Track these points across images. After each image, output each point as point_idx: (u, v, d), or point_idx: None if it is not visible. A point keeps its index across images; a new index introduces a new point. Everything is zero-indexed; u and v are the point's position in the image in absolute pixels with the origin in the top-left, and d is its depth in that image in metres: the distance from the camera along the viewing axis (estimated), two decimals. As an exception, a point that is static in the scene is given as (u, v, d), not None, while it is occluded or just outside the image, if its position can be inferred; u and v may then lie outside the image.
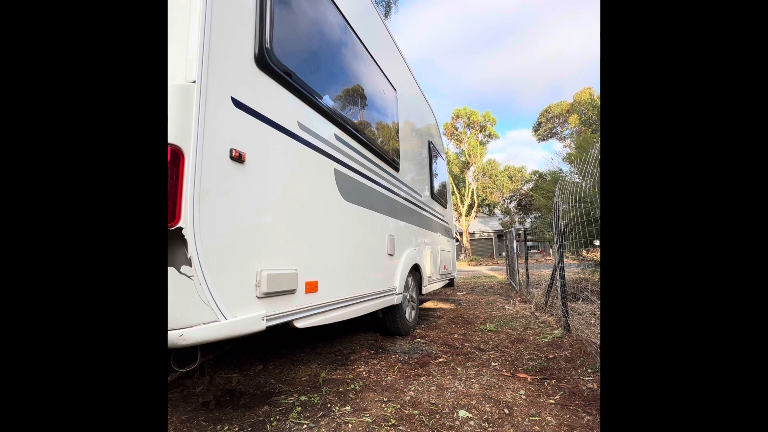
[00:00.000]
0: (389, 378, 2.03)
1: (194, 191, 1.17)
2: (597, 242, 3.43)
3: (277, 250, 1.51)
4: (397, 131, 3.24)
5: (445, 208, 5.40)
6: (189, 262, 1.14)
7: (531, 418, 1.53)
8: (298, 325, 1.61)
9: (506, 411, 1.60)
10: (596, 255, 4.82)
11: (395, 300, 2.80)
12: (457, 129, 26.69)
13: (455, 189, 25.97)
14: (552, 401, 1.70)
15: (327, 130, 1.96)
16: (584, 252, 4.83)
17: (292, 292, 1.55)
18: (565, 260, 3.27)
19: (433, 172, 4.61)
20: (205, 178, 1.21)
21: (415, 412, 1.58)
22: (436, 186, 4.74)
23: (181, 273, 1.13)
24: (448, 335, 3.09)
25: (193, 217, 1.15)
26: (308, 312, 1.68)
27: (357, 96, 2.46)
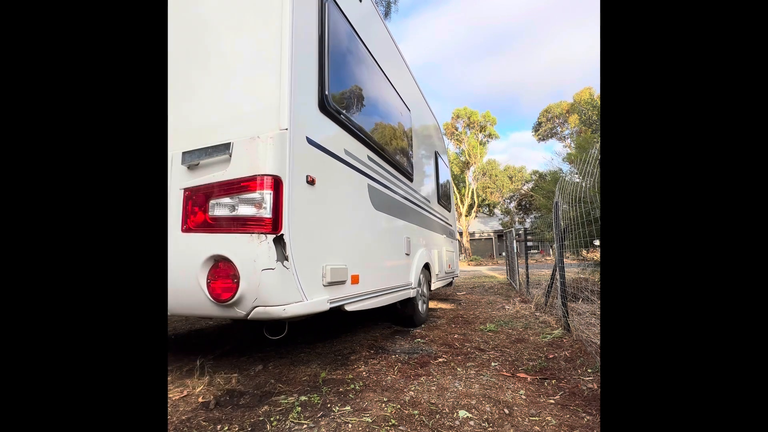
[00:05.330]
0: (389, 378, 2.03)
1: (288, 208, 1.56)
2: (597, 242, 3.43)
3: (335, 250, 1.91)
4: (411, 146, 3.66)
5: (449, 211, 5.82)
6: (288, 259, 1.53)
7: (531, 418, 1.53)
8: (348, 308, 1.98)
9: (506, 411, 1.60)
10: (596, 255, 4.82)
11: (411, 293, 3.14)
12: (457, 129, 26.68)
13: (455, 189, 25.96)
14: (552, 401, 1.70)
15: (362, 152, 2.37)
16: (584, 252, 4.83)
17: (343, 282, 1.93)
18: (565, 260, 3.27)
19: (439, 180, 5.07)
20: (294, 198, 1.60)
21: (415, 412, 1.58)
22: (441, 192, 5.18)
23: (284, 267, 1.52)
24: (448, 335, 3.09)
25: (289, 226, 1.55)
26: (354, 299, 2.05)
27: (382, 120, 2.87)
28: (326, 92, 1.90)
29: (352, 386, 1.90)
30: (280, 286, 1.49)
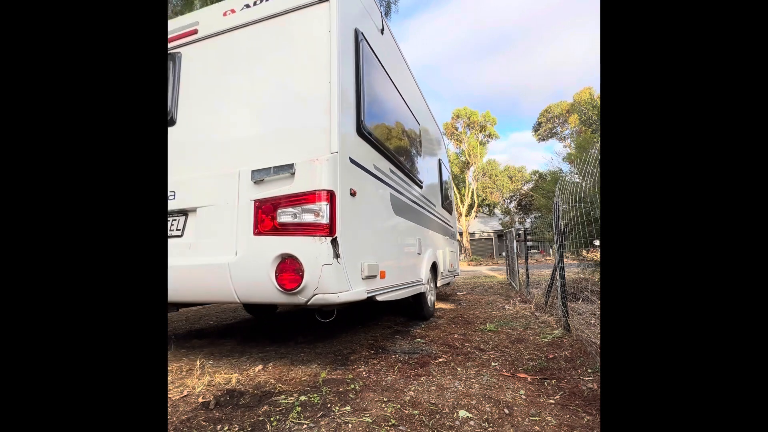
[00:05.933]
0: (389, 378, 2.03)
1: (339, 216, 1.91)
2: (597, 242, 3.43)
3: (369, 249, 2.27)
4: (420, 156, 4.05)
5: (451, 214, 6.21)
6: (340, 256, 1.88)
7: (531, 418, 1.53)
8: (378, 298, 2.30)
9: (506, 411, 1.60)
10: (596, 255, 4.82)
11: (422, 288, 3.46)
12: (457, 129, 26.67)
13: (455, 189, 25.93)
14: (552, 401, 1.70)
15: (386, 166, 2.74)
16: (584, 252, 4.83)
17: (375, 277, 2.27)
18: (565, 260, 3.26)
19: (442, 185, 5.46)
20: (342, 207, 1.96)
21: (415, 412, 1.58)
22: (444, 196, 5.59)
23: (338, 262, 1.87)
24: (448, 335, 3.09)
25: (340, 231, 1.91)
26: (382, 291, 2.38)
27: (399, 137, 3.28)
28: (362, 118, 2.29)
29: (352, 386, 1.90)
30: (335, 278, 1.85)
